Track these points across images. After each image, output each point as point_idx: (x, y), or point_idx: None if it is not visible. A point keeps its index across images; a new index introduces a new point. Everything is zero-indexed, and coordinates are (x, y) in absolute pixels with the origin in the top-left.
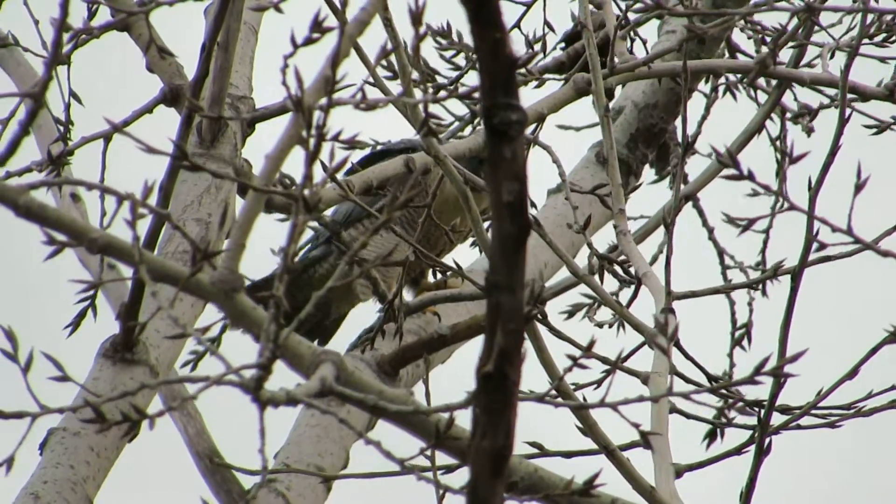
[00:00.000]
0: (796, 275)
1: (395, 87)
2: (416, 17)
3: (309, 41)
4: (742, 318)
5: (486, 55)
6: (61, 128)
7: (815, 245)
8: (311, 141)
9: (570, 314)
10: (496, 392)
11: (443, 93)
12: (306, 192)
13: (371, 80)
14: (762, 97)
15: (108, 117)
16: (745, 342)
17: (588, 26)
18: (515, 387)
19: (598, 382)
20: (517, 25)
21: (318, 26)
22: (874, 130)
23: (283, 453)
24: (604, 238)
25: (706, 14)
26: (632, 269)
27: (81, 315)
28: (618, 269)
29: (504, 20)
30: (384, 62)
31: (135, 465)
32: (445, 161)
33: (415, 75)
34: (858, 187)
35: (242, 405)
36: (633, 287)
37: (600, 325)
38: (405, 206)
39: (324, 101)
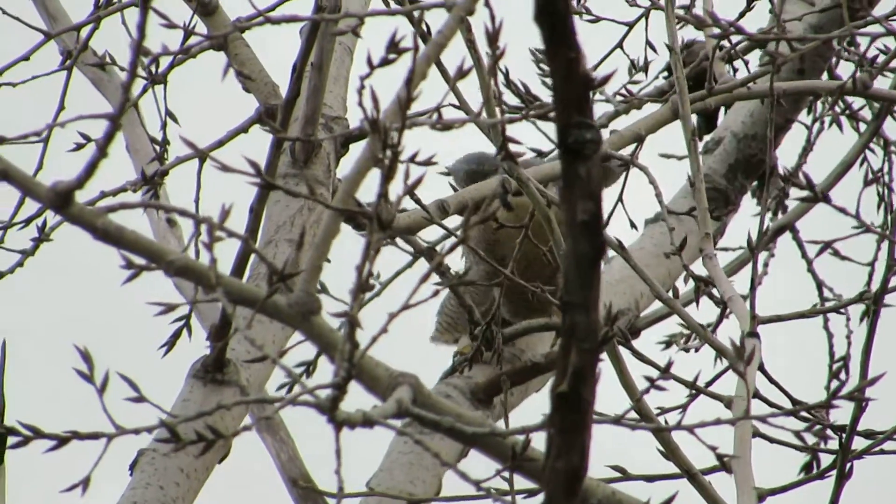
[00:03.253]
0: (877, 298)
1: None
2: (493, 37)
3: (385, 62)
4: (840, 345)
5: (560, 74)
6: (158, 147)
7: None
8: (386, 161)
9: (668, 345)
10: (570, 412)
11: (516, 114)
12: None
13: (454, 99)
14: (864, 129)
15: (205, 135)
16: (840, 370)
17: (675, 48)
18: (590, 407)
19: (684, 407)
20: (620, 46)
21: (394, 47)
22: None
23: (375, 480)
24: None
25: (803, 39)
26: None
27: (176, 335)
28: (715, 292)
29: (578, 39)
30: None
31: (226, 486)
32: (528, 184)
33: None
34: None
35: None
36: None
37: (687, 350)
38: (481, 223)
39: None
